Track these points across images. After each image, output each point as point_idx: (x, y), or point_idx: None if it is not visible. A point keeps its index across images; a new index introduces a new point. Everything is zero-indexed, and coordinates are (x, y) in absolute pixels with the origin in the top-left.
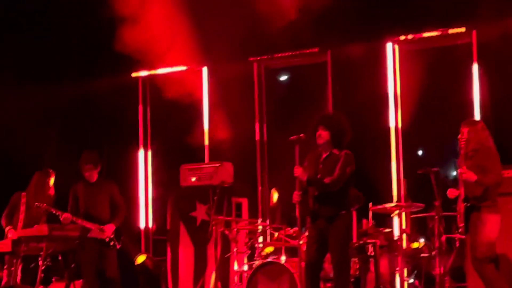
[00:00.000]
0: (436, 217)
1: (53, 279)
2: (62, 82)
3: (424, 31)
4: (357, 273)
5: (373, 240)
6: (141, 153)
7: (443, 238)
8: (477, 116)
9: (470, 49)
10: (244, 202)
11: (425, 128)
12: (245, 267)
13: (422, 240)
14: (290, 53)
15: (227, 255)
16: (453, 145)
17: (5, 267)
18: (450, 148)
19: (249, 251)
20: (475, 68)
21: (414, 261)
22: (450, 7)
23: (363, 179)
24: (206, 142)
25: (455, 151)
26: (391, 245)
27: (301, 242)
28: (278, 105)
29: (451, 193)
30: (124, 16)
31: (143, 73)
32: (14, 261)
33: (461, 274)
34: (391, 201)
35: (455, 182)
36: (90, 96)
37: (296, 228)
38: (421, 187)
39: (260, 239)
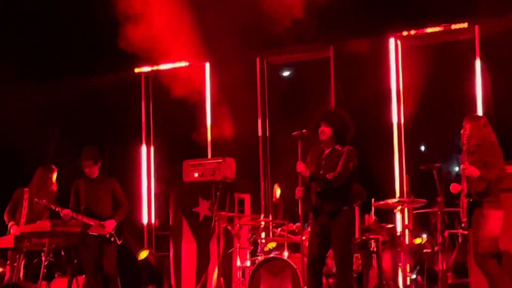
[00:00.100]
0: (439, 212)
1: (55, 275)
2: (64, 78)
3: (427, 27)
4: (360, 268)
5: (376, 236)
6: (143, 148)
7: (446, 233)
8: (479, 111)
9: (473, 44)
10: (247, 197)
11: (427, 123)
12: (248, 263)
13: (424, 236)
14: (293, 49)
15: (229, 251)
16: (455, 140)
17: (8, 262)
18: (452, 143)
19: (252, 247)
20: (477, 63)
21: (417, 257)
22: (453, 3)
23: (365, 175)
24: (209, 137)
25: (457, 147)
26: (394, 240)
27: (303, 237)
28: (281, 101)
29: (454, 188)
30: (127, 12)
31: (146, 69)
32: (17, 256)
33: (464, 270)
34: (394, 196)
35: (457, 178)
36: (93, 92)
37: (298, 224)
38: (423, 183)
39: (263, 234)
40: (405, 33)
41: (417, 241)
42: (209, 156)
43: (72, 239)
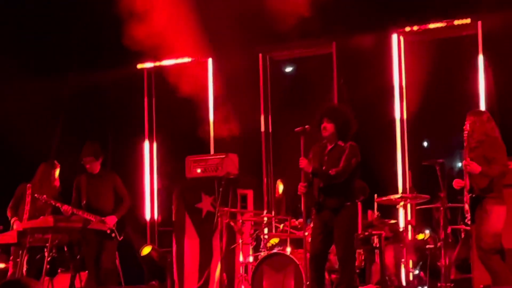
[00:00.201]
0: (442, 208)
1: (58, 271)
2: (67, 74)
3: (430, 22)
4: (362, 264)
5: (378, 232)
6: (146, 144)
7: (449, 229)
8: (482, 107)
9: (476, 40)
10: (250, 193)
11: (430, 119)
12: (251, 259)
13: (427, 232)
14: (296, 44)
15: (232, 247)
16: (458, 136)
17: (11, 258)
18: (455, 139)
19: (255, 243)
20: (480, 59)
21: (420, 253)
22: None
23: (368, 171)
24: (212, 133)
25: (460, 142)
26: (397, 236)
27: (306, 233)
28: (283, 97)
29: (457, 183)
30: (130, 7)
31: (149, 65)
32: (20, 252)
33: (466, 265)
34: (396, 192)
35: (460, 173)
36: (96, 88)
37: (301, 220)
38: (426, 179)
39: (266, 230)
40: (407, 28)
41: (420, 236)
42: (212, 152)
43: (75, 235)
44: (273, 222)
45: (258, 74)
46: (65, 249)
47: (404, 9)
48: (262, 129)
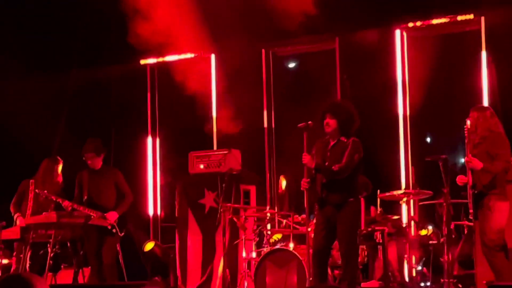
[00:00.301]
0: (445, 204)
1: (61, 266)
2: (70, 70)
3: (433, 18)
4: (365, 260)
5: (381, 228)
6: (149, 140)
7: (452, 225)
8: (485, 103)
9: (479, 36)
10: (252, 189)
11: (433, 115)
12: (253, 254)
13: (430, 227)
14: (298, 40)
15: (235, 242)
16: (461, 132)
17: (14, 254)
18: (458, 135)
19: (257, 238)
20: (483, 55)
21: (423, 248)
22: None
23: (371, 166)
24: (214, 129)
25: (463, 138)
26: (399, 232)
27: (309, 229)
28: (286, 92)
29: (460, 180)
30: (133, 3)
31: (152, 61)
32: (23, 248)
33: (469, 262)
34: (399, 188)
35: (463, 169)
36: (99, 83)
37: (304, 215)
38: (429, 174)
39: (268, 226)
40: (411, 24)
41: (423, 232)
42: (215, 147)
43: (78, 231)
44: (276, 218)
45: (261, 70)
46: (68, 245)
47: (407, 4)
48: (265, 124)
